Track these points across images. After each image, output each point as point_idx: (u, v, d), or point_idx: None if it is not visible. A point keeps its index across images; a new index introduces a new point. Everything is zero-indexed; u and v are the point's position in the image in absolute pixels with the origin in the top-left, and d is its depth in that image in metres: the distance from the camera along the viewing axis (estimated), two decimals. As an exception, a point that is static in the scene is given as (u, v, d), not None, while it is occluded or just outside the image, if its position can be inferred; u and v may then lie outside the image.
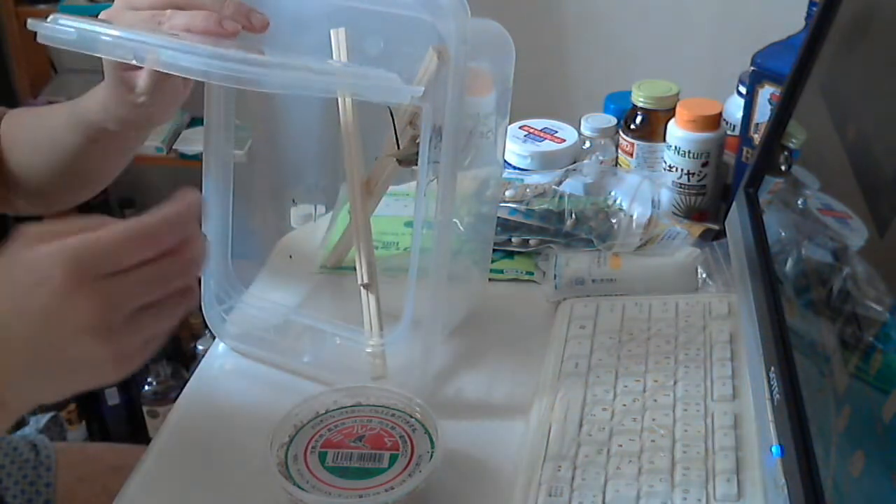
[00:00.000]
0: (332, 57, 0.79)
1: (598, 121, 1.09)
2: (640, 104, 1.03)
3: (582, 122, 1.09)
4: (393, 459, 0.69)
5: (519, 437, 0.75)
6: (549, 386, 0.78)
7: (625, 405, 0.74)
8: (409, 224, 0.98)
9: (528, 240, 0.96)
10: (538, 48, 1.93)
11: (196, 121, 1.96)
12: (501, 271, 0.95)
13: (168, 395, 1.88)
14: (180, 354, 2.00)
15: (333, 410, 0.73)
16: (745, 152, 0.97)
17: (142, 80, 0.73)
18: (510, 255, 0.96)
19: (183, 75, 0.68)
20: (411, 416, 0.73)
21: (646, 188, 0.98)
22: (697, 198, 1.00)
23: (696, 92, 1.02)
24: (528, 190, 0.99)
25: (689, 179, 0.99)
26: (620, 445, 0.70)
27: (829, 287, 0.63)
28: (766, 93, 0.92)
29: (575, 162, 1.06)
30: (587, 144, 1.09)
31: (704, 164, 0.98)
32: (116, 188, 2.03)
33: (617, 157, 1.07)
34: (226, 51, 0.66)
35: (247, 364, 0.85)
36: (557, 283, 0.90)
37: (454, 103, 0.71)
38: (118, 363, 0.52)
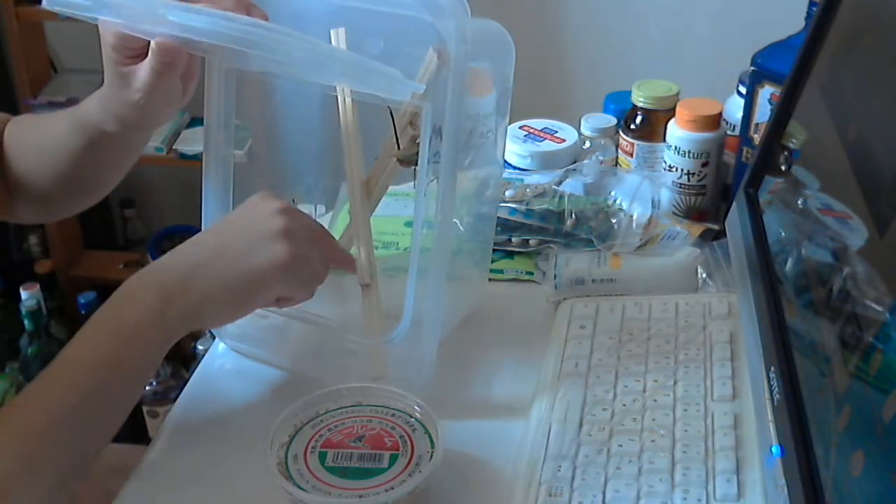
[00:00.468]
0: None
1: (598, 121, 1.09)
2: (640, 104, 1.03)
3: (582, 122, 1.09)
4: (393, 459, 0.69)
5: (519, 437, 0.75)
6: (549, 386, 0.78)
7: (625, 405, 0.74)
8: (409, 224, 0.98)
9: (528, 240, 0.96)
10: (538, 48, 1.93)
11: (196, 121, 1.96)
12: (501, 271, 0.95)
13: (168, 395, 1.88)
14: (180, 354, 2.00)
15: (333, 410, 0.73)
16: (745, 152, 0.97)
17: (140, 76, 0.73)
18: (510, 255, 0.96)
19: (190, 36, 0.69)
20: (411, 416, 0.73)
21: (646, 188, 0.98)
22: (697, 198, 1.00)
23: (696, 92, 1.02)
24: (528, 190, 0.99)
25: (689, 179, 0.99)
26: (620, 445, 0.70)
27: (829, 287, 0.63)
28: (766, 93, 0.92)
29: (575, 162, 1.06)
30: (587, 144, 1.09)
31: (704, 164, 0.98)
32: (116, 188, 2.03)
33: (617, 157, 1.07)
34: (234, 14, 0.67)
35: (247, 364, 0.85)
36: (557, 283, 0.90)
37: (454, 103, 0.71)
38: (293, 262, 0.71)
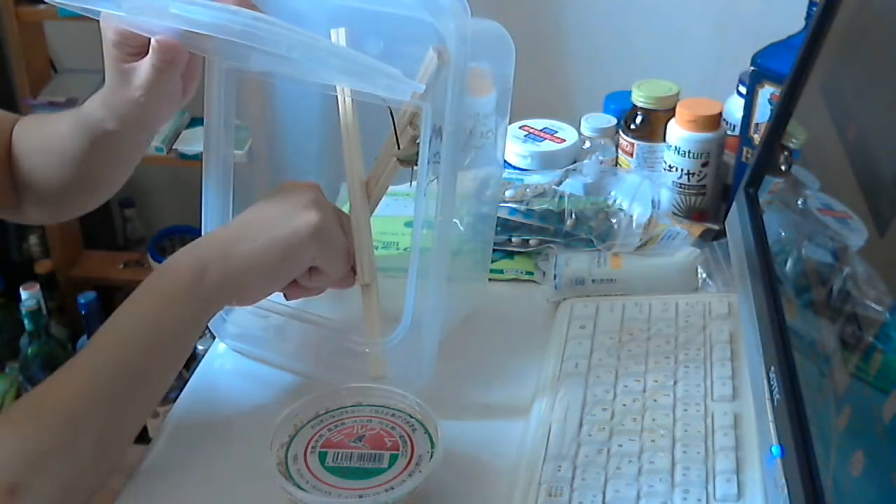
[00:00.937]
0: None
1: (598, 121, 1.09)
2: (640, 104, 1.03)
3: (582, 122, 1.09)
4: (393, 459, 0.69)
5: (519, 437, 0.75)
6: (549, 386, 0.78)
7: (625, 405, 0.74)
8: (409, 224, 0.98)
9: (528, 240, 0.96)
10: (538, 48, 1.92)
11: (196, 121, 1.96)
12: (501, 271, 0.95)
13: (168, 395, 1.87)
14: (180, 354, 1.99)
15: (333, 410, 0.73)
16: (745, 152, 0.97)
17: (140, 74, 0.73)
18: (510, 255, 0.96)
19: (193, 29, 0.69)
20: (411, 416, 0.73)
21: (646, 188, 0.97)
22: (697, 198, 1.00)
23: (696, 92, 1.02)
24: (528, 190, 0.99)
25: (689, 179, 0.99)
26: (620, 445, 0.70)
27: (829, 287, 0.63)
28: (766, 93, 0.92)
29: (575, 162, 1.06)
30: (587, 144, 1.09)
31: (704, 164, 0.98)
32: (116, 188, 2.03)
33: (617, 157, 1.07)
34: (236, 7, 0.67)
35: (247, 364, 0.85)
36: (557, 283, 0.90)
37: (454, 103, 0.71)
38: (325, 227, 0.75)
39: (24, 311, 1.90)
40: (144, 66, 0.72)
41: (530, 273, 0.95)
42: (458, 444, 0.73)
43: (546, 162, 1.06)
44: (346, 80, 0.77)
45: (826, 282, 0.64)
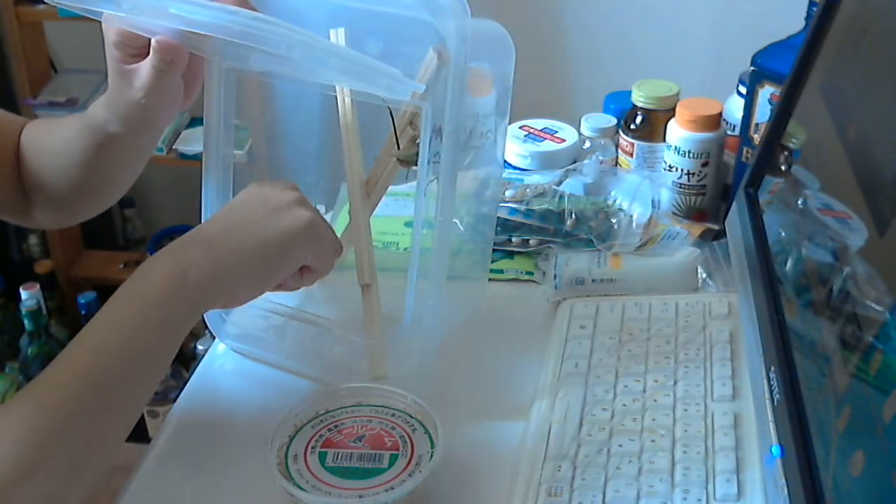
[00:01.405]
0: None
1: (598, 121, 1.09)
2: (640, 104, 1.03)
3: (582, 122, 1.09)
4: (393, 459, 0.69)
5: (519, 437, 0.75)
6: (549, 386, 0.78)
7: (625, 405, 0.74)
8: (409, 224, 0.98)
9: (528, 240, 0.96)
10: (538, 48, 1.92)
11: (196, 121, 1.96)
12: (501, 271, 0.95)
13: (168, 395, 1.88)
14: (180, 354, 1.99)
15: (333, 410, 0.73)
16: (745, 152, 0.97)
17: (141, 75, 0.73)
18: (510, 255, 0.96)
19: (192, 29, 0.69)
20: (411, 416, 0.73)
21: (646, 188, 0.97)
22: (697, 198, 1.00)
23: (696, 92, 1.02)
24: (528, 190, 0.99)
25: (689, 179, 0.99)
26: (620, 445, 0.70)
27: (829, 287, 0.63)
28: (766, 93, 0.92)
29: (575, 162, 1.06)
30: (587, 144, 1.09)
31: (704, 164, 0.98)
32: (116, 188, 2.03)
33: (617, 157, 1.07)
34: (236, 7, 0.67)
35: (247, 364, 0.85)
36: (557, 283, 0.90)
37: (454, 103, 0.71)
38: (317, 224, 0.74)
39: (24, 311, 1.90)
40: (145, 67, 0.72)
41: (530, 273, 0.95)
42: (458, 444, 0.73)
43: (546, 162, 1.06)
44: (346, 80, 0.77)
45: (826, 282, 0.64)
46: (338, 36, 0.80)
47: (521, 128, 1.10)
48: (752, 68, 0.93)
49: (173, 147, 1.96)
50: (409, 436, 0.71)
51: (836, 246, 0.65)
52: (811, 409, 0.61)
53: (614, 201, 0.97)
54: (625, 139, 1.05)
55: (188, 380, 0.85)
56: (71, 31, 2.02)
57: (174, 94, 0.75)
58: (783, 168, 0.78)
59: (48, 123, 0.89)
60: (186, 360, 2.00)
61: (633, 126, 1.04)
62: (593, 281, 0.89)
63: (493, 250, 0.91)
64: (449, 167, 0.73)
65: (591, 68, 1.95)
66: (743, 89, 0.98)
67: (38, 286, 1.93)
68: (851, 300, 0.59)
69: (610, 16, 1.91)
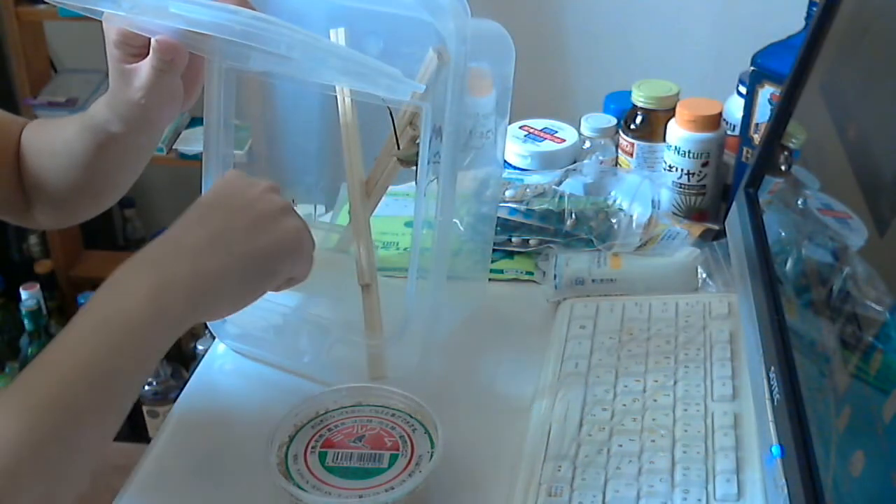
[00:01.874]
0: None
1: (598, 121, 1.09)
2: (640, 104, 1.03)
3: (582, 122, 1.09)
4: (393, 459, 0.69)
5: (519, 437, 0.75)
6: (549, 386, 0.78)
7: (625, 405, 0.74)
8: (408, 224, 0.98)
9: (528, 240, 0.96)
10: (538, 48, 1.92)
11: (196, 121, 1.96)
12: (501, 271, 0.95)
13: (168, 395, 1.88)
14: (180, 354, 2.00)
15: (333, 410, 0.73)
16: (745, 152, 0.97)
17: (141, 75, 0.73)
18: (510, 255, 0.96)
19: (193, 29, 0.69)
20: (411, 416, 0.73)
21: (646, 188, 0.98)
22: (697, 198, 1.00)
23: (696, 92, 1.02)
24: (528, 190, 0.99)
25: (689, 179, 0.99)
26: (620, 445, 0.70)
27: (829, 287, 0.63)
28: (766, 93, 0.92)
29: (575, 162, 1.06)
30: (587, 144, 1.09)
31: (704, 164, 0.98)
32: (116, 188, 2.03)
33: (617, 157, 1.07)
34: (236, 7, 0.67)
35: (247, 364, 0.85)
36: (557, 283, 0.90)
37: (454, 103, 0.71)
38: (303, 236, 0.69)
39: (24, 311, 1.90)
40: (145, 67, 0.72)
41: (530, 273, 0.95)
42: (458, 444, 0.73)
43: (546, 162, 1.06)
44: (346, 80, 0.77)
45: (826, 282, 0.64)
46: (338, 36, 0.80)
47: (521, 128, 1.10)
48: (752, 68, 0.93)
49: (173, 147, 1.96)
50: (409, 436, 0.71)
51: (836, 246, 0.65)
52: (811, 409, 0.61)
53: (614, 201, 0.97)
54: (625, 139, 1.05)
55: (188, 380, 0.85)
56: (71, 31, 2.02)
57: (174, 95, 0.75)
58: (783, 168, 0.78)
59: (48, 124, 0.89)
60: (186, 360, 2.00)
61: (633, 126, 1.04)
62: (593, 281, 0.89)
63: (493, 250, 0.91)
64: (449, 167, 0.73)
65: (591, 68, 1.95)
66: (743, 89, 0.98)
67: (38, 286, 1.93)
68: (851, 300, 0.59)
69: (610, 16, 1.91)
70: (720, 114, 0.98)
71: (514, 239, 0.96)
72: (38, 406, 0.57)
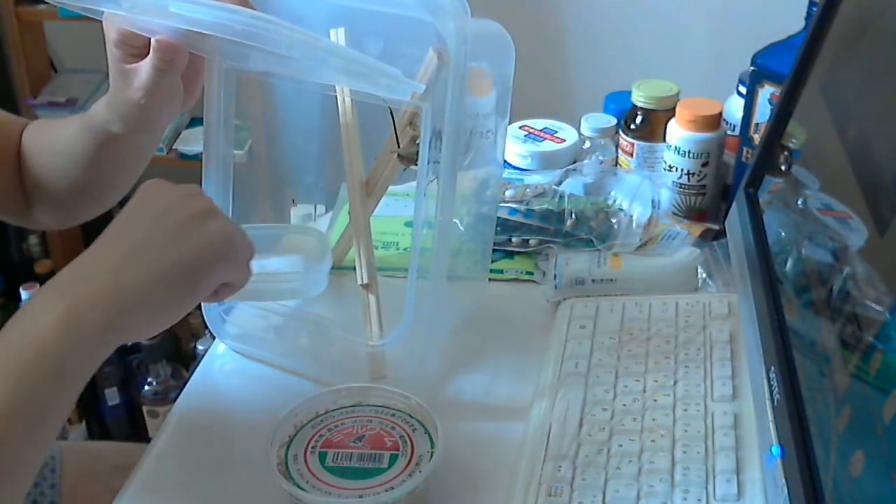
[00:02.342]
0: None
1: (598, 121, 1.09)
2: (640, 104, 1.03)
3: (582, 122, 1.09)
4: (393, 459, 0.69)
5: (519, 437, 0.75)
6: (549, 386, 0.78)
7: (625, 405, 0.74)
8: (408, 224, 0.98)
9: (528, 240, 0.96)
10: (538, 48, 1.93)
11: (196, 121, 1.96)
12: (501, 271, 0.95)
13: (168, 395, 1.88)
14: (180, 354, 2.00)
15: (333, 410, 0.73)
16: (745, 152, 0.97)
17: (141, 75, 0.73)
18: (510, 255, 0.96)
19: (193, 28, 0.69)
20: (411, 416, 0.73)
21: (646, 188, 0.98)
22: (697, 198, 1.00)
23: (696, 92, 1.02)
24: (528, 190, 0.99)
25: (689, 179, 0.99)
26: (620, 445, 0.70)
27: (829, 287, 0.63)
28: (766, 93, 0.92)
29: (575, 162, 1.06)
30: (587, 144, 1.09)
31: (704, 164, 0.98)
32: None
33: (617, 157, 1.07)
34: (236, 6, 0.67)
35: (247, 364, 0.85)
36: (557, 283, 0.90)
37: (454, 103, 0.71)
38: (232, 237, 0.65)
39: (24, 311, 1.90)
40: (145, 67, 0.72)
41: (530, 273, 0.95)
42: (458, 444, 0.73)
43: (546, 162, 1.06)
44: (346, 80, 0.77)
45: (826, 282, 0.64)
46: (338, 36, 0.80)
47: (521, 128, 1.10)
48: (752, 68, 0.93)
49: (173, 147, 1.96)
50: (409, 436, 0.71)
51: (836, 246, 0.65)
52: (811, 409, 0.61)
53: (614, 201, 0.97)
54: (625, 139, 1.05)
55: (188, 380, 0.85)
56: (71, 31, 2.02)
57: (174, 95, 0.75)
58: (783, 168, 0.78)
59: (49, 124, 0.89)
60: (186, 360, 2.00)
61: (633, 126, 1.04)
62: (593, 281, 0.89)
63: (493, 250, 0.91)
64: (449, 167, 0.73)
65: (591, 68, 1.95)
66: (743, 89, 0.98)
67: (38, 286, 1.93)
68: (851, 300, 0.59)
69: (610, 16, 1.91)
70: (720, 114, 0.98)
71: (514, 239, 0.96)
72: None
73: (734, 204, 0.83)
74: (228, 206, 0.84)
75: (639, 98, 1.03)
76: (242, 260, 0.67)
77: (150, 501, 0.73)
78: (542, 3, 1.95)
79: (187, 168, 1.90)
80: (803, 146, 0.76)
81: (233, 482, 0.74)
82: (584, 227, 0.94)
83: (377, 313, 0.80)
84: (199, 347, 1.95)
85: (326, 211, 1.04)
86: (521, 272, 0.95)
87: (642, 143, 1.03)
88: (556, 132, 1.09)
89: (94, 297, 0.58)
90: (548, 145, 1.07)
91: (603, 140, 1.08)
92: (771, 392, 0.65)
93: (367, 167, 0.83)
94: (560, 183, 1.01)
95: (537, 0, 1.94)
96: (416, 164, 0.75)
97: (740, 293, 0.77)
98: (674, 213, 1.01)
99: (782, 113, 0.77)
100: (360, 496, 0.66)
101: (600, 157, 1.07)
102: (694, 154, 0.98)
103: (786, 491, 0.59)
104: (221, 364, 0.86)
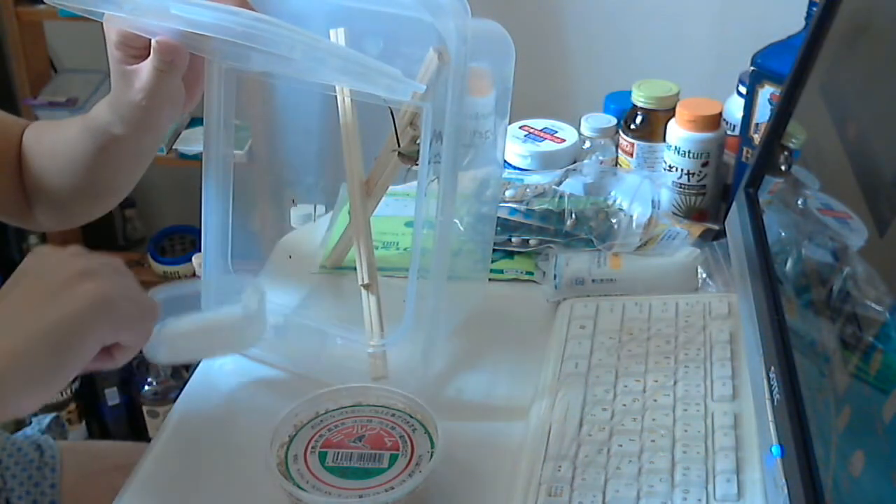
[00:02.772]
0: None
1: (598, 121, 1.09)
2: (640, 104, 1.03)
3: (582, 122, 1.09)
4: (393, 459, 0.69)
5: (519, 437, 0.75)
6: (549, 386, 0.78)
7: (625, 405, 0.74)
8: (409, 224, 0.98)
9: (528, 240, 0.96)
10: (538, 48, 1.93)
11: (196, 121, 1.96)
12: (501, 271, 0.95)
13: (168, 395, 1.88)
14: (180, 354, 2.00)
15: (333, 410, 0.73)
16: (745, 152, 0.97)
17: (142, 76, 0.73)
18: (510, 255, 0.96)
19: (194, 30, 0.69)
20: (411, 416, 0.73)
21: (646, 188, 0.98)
22: (697, 198, 1.00)
23: (696, 92, 1.02)
24: (528, 190, 0.99)
25: (689, 179, 0.99)
26: (620, 445, 0.70)
27: (829, 287, 0.63)
28: (766, 93, 0.92)
29: (575, 162, 1.06)
30: (587, 144, 1.09)
31: (704, 164, 0.98)
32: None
33: (617, 157, 1.07)
34: (237, 8, 0.67)
35: (247, 364, 0.85)
36: (557, 283, 0.90)
37: (455, 103, 0.71)
38: (110, 296, 0.60)
39: (24, 311, 1.90)
40: (146, 68, 0.72)
41: (530, 273, 0.95)
42: (458, 444, 0.73)
43: (546, 162, 1.06)
44: (346, 81, 0.77)
45: (826, 282, 0.64)
46: (338, 36, 0.80)
47: (521, 128, 1.10)
48: (752, 68, 0.93)
49: (173, 147, 1.96)
50: (409, 436, 0.71)
51: (836, 246, 0.65)
52: (811, 409, 0.61)
53: (614, 201, 0.97)
54: (625, 139, 1.05)
55: (188, 380, 0.85)
56: (71, 31, 2.02)
57: (175, 96, 0.76)
58: (783, 168, 0.78)
59: (49, 125, 0.89)
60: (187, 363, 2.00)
61: (633, 126, 1.04)
62: (593, 281, 0.89)
63: (493, 250, 0.91)
64: (449, 167, 0.73)
65: (591, 68, 1.95)
66: (743, 89, 0.99)
67: (38, 286, 1.92)
68: (851, 300, 0.59)
69: (610, 16, 1.91)
70: (720, 114, 0.98)
71: (514, 239, 0.96)
72: None
73: (734, 204, 0.83)
74: (228, 206, 0.84)
75: (639, 98, 1.03)
76: (128, 320, 0.62)
77: (150, 501, 0.73)
78: (542, 3, 1.95)
79: (187, 168, 1.90)
80: (803, 146, 0.76)
81: (233, 482, 0.74)
82: (584, 227, 0.94)
83: (377, 313, 0.80)
84: (200, 347, 1.95)
85: (326, 211, 1.04)
86: (521, 272, 0.95)
87: (642, 143, 1.03)
88: (556, 132, 1.09)
89: None
90: (548, 145, 1.07)
91: (603, 140, 1.08)
92: (771, 392, 0.65)
93: (367, 167, 0.83)
94: (560, 183, 1.01)
95: (537, 0, 1.94)
96: (417, 164, 0.75)
97: (740, 293, 0.77)
98: (674, 213, 1.01)
99: (782, 113, 0.77)
100: (360, 496, 0.66)
101: (600, 157, 1.07)
102: (694, 154, 0.98)
103: (786, 491, 0.59)
104: (221, 364, 0.86)
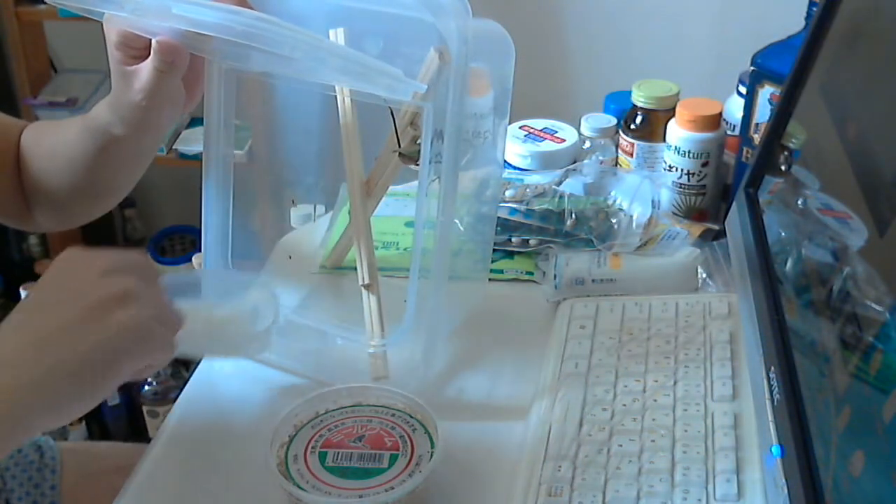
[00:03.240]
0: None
1: (598, 121, 1.09)
2: (640, 104, 1.03)
3: (582, 122, 1.09)
4: (393, 459, 0.69)
5: (519, 437, 0.75)
6: (549, 386, 0.78)
7: (625, 405, 0.74)
8: (409, 224, 0.98)
9: (528, 240, 0.96)
10: (538, 48, 1.93)
11: (196, 121, 1.96)
12: (501, 271, 0.95)
13: (168, 395, 1.88)
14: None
15: (333, 410, 0.73)
16: (745, 152, 0.97)
17: (142, 77, 0.73)
18: (510, 255, 0.96)
19: (195, 30, 0.69)
20: (411, 416, 0.73)
21: (646, 188, 0.98)
22: (697, 198, 1.00)
23: (696, 92, 1.02)
24: (528, 190, 0.99)
25: (689, 179, 1.00)
26: (620, 445, 0.70)
27: (829, 287, 0.63)
28: (766, 93, 0.92)
29: (575, 162, 1.06)
30: (587, 144, 1.09)
31: (704, 164, 0.98)
32: (116, 188, 2.02)
33: (617, 157, 1.07)
34: (238, 7, 0.67)
35: (247, 364, 0.85)
36: (557, 283, 0.90)
37: (455, 103, 0.71)
38: (147, 325, 0.59)
39: (24, 311, 1.89)
40: (146, 69, 0.72)
41: (530, 273, 0.95)
42: (458, 444, 0.73)
43: (546, 162, 1.06)
44: (347, 80, 0.77)
45: (826, 282, 0.64)
46: (338, 36, 0.80)
47: (521, 128, 1.10)
48: (752, 68, 0.93)
49: (173, 147, 1.96)
50: (409, 436, 0.71)
51: (836, 246, 0.65)
52: (811, 409, 0.61)
53: (614, 201, 0.97)
54: (625, 139, 1.05)
55: (188, 380, 0.85)
56: (71, 31, 2.02)
57: (175, 97, 0.76)
58: (783, 168, 0.78)
59: (49, 126, 0.89)
60: (186, 360, 2.00)
61: (633, 126, 1.04)
62: (593, 281, 0.89)
63: (493, 250, 0.91)
64: (450, 167, 0.73)
65: (591, 68, 1.95)
66: (743, 89, 0.99)
67: (38, 286, 1.92)
68: (851, 300, 0.59)
69: (610, 16, 1.91)
70: (720, 114, 0.98)
71: (514, 239, 0.96)
72: None
73: (734, 204, 0.83)
74: (228, 206, 0.84)
75: (639, 98, 1.03)
76: (158, 349, 0.61)
77: (150, 501, 0.73)
78: (542, 3, 1.95)
79: (187, 168, 1.90)
80: (803, 146, 0.76)
81: (233, 482, 0.74)
82: (584, 227, 0.94)
83: (378, 313, 0.80)
84: (200, 347, 1.95)
85: (326, 211, 1.04)
86: (521, 272, 0.95)
87: (642, 143, 1.03)
88: (556, 132, 1.09)
89: None
90: (548, 145, 1.07)
91: (603, 140, 1.08)
92: (771, 392, 0.65)
93: (367, 167, 0.83)
94: (560, 183, 1.01)
95: (537, 0, 1.94)
96: (418, 164, 0.75)
97: (740, 293, 0.77)
98: (674, 213, 1.01)
99: (782, 113, 0.77)
100: (360, 496, 0.66)
101: (600, 157, 1.07)
102: (694, 154, 0.98)
103: (786, 491, 0.59)
104: (221, 364, 0.86)
